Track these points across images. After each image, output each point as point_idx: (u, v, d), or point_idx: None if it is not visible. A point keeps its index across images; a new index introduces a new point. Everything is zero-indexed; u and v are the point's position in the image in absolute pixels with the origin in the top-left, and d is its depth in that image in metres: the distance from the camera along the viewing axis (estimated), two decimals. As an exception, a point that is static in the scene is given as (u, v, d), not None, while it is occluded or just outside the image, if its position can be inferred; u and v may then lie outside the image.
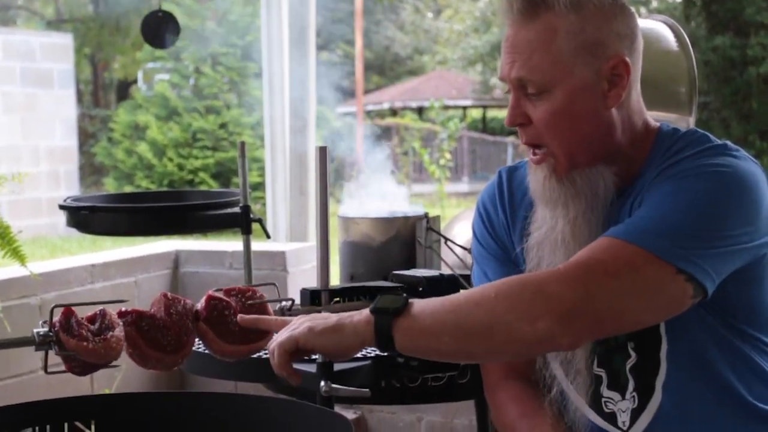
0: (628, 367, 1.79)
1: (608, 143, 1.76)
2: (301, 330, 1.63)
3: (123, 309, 1.60)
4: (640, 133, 1.80)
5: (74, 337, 1.52)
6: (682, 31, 2.59)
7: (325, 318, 1.65)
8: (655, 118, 1.89)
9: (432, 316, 1.61)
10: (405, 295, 1.66)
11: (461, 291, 1.66)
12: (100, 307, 1.60)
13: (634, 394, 1.79)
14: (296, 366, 1.92)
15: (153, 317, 1.61)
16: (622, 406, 1.81)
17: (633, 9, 1.79)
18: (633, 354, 1.78)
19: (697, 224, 1.62)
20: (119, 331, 1.56)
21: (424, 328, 1.61)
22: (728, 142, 1.76)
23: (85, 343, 1.53)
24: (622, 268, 1.59)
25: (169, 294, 1.63)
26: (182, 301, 1.64)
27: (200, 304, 1.66)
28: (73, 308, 1.56)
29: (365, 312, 1.63)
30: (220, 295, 1.67)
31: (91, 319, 1.56)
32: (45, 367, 1.54)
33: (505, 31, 1.76)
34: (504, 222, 1.94)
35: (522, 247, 1.88)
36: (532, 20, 1.70)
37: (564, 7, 1.69)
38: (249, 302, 1.67)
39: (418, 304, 1.63)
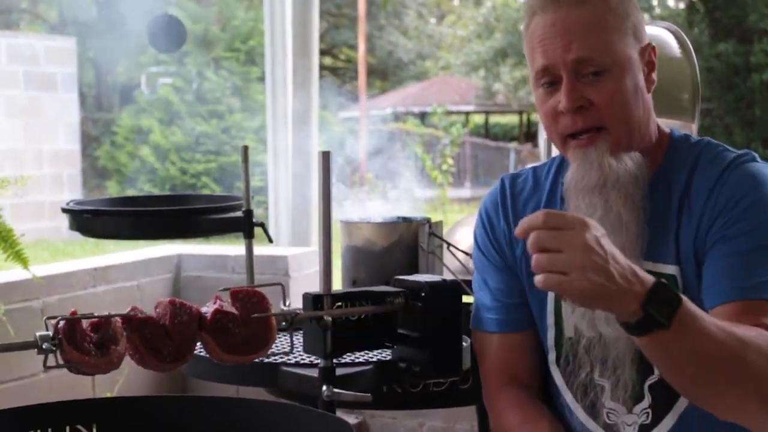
0: (648, 383, 1.79)
1: (647, 129, 1.80)
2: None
3: (128, 314, 1.60)
4: (656, 131, 1.83)
5: (77, 349, 1.53)
6: (685, 37, 2.59)
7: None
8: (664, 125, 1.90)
9: (702, 332, 1.50)
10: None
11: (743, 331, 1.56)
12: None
13: (648, 411, 1.79)
14: (298, 371, 1.92)
15: (156, 324, 1.60)
16: (627, 419, 1.80)
17: None
18: (656, 372, 1.77)
19: None
20: (122, 344, 1.56)
21: (702, 330, 1.50)
22: (747, 151, 1.80)
23: (86, 357, 1.53)
24: None
25: (177, 301, 1.63)
26: (188, 309, 1.64)
27: (207, 309, 1.66)
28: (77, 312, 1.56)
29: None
30: (227, 307, 1.67)
31: (96, 326, 1.55)
32: (44, 364, 1.54)
33: (539, 20, 1.76)
34: (505, 229, 1.94)
35: (522, 255, 1.87)
36: (584, 4, 1.73)
37: None
38: (254, 315, 1.67)
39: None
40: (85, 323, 1.55)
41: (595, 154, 1.75)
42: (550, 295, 1.86)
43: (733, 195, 1.71)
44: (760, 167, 1.75)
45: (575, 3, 1.73)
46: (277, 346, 2.16)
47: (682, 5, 19.41)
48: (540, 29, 1.75)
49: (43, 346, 1.51)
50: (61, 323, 1.53)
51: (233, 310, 1.67)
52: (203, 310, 1.66)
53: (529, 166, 2.02)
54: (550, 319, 1.87)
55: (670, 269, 1.76)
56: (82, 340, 1.53)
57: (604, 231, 1.46)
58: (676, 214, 1.76)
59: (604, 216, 1.74)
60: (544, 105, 1.78)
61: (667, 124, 1.94)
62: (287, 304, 1.77)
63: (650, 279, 1.46)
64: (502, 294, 1.93)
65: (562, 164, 1.91)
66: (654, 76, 1.80)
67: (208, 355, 1.69)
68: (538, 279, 1.44)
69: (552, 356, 1.89)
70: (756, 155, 1.78)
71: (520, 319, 1.92)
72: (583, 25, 1.72)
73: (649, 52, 1.79)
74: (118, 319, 1.56)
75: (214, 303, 1.67)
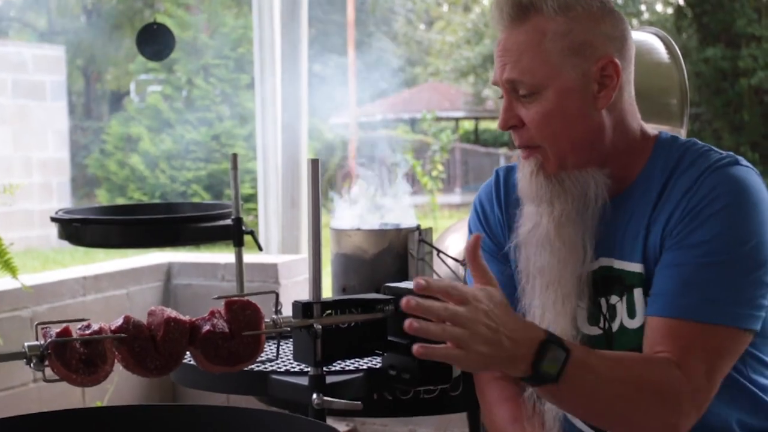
0: None
1: (599, 145, 1.77)
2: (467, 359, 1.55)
3: (119, 325, 1.60)
4: (636, 138, 1.82)
5: (65, 366, 1.53)
6: (674, 42, 2.60)
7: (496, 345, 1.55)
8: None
9: (590, 385, 1.62)
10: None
11: (615, 363, 1.67)
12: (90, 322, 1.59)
13: None
14: (289, 379, 1.92)
15: (146, 338, 1.60)
16: None
17: (623, 14, 1.81)
18: None
19: (743, 272, 1.68)
20: (110, 362, 1.57)
21: (592, 378, 1.62)
22: (732, 153, 1.78)
23: (74, 376, 1.54)
24: (716, 362, 1.67)
25: (172, 319, 1.62)
26: (182, 326, 1.64)
27: (202, 324, 1.66)
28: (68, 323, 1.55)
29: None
30: (220, 325, 1.66)
31: (86, 342, 1.55)
32: (43, 376, 1.54)
33: (497, 39, 1.79)
34: (499, 217, 1.95)
35: (512, 244, 1.88)
36: (522, 23, 1.74)
37: (552, 9, 1.73)
38: (245, 333, 1.67)
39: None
40: (75, 334, 1.54)
41: (528, 168, 1.79)
42: (537, 299, 1.86)
43: (705, 196, 1.70)
44: (741, 172, 1.73)
45: (513, 23, 1.75)
46: (265, 353, 2.16)
47: (670, 10, 19.46)
48: (496, 46, 1.80)
49: (32, 359, 1.51)
50: (52, 334, 1.52)
51: (225, 326, 1.66)
52: (198, 322, 1.66)
53: None
54: (537, 321, 1.87)
55: (636, 267, 1.77)
56: (71, 358, 1.53)
57: (499, 300, 1.55)
58: (650, 213, 1.76)
59: (533, 228, 1.79)
60: None
61: (655, 129, 1.94)
62: (279, 310, 1.77)
63: (539, 337, 1.56)
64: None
65: None
66: (612, 92, 1.75)
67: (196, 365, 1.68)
68: (429, 349, 1.51)
69: None
70: (740, 158, 1.77)
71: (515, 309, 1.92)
72: (516, 47, 1.74)
73: (602, 66, 1.74)
74: (109, 334, 1.56)
75: (209, 318, 1.67)
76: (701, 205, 1.70)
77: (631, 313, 1.78)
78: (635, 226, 1.77)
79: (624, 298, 1.79)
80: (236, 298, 1.69)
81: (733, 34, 17.64)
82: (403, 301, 1.53)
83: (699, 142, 1.82)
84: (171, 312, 1.64)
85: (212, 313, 1.67)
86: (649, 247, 1.75)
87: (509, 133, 1.81)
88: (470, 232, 2.02)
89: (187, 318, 1.66)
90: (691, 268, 1.68)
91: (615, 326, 1.81)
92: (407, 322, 1.50)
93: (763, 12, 17.78)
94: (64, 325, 1.54)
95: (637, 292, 1.77)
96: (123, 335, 1.57)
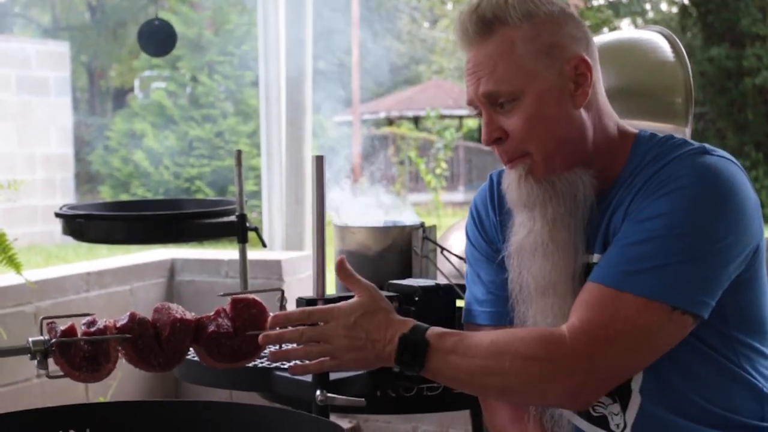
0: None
1: (583, 145, 1.78)
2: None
3: (124, 323, 1.60)
4: (614, 137, 1.82)
5: (68, 363, 1.53)
6: (678, 41, 2.59)
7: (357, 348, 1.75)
8: (651, 129, 1.89)
9: (455, 367, 1.73)
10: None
11: (481, 340, 1.74)
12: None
13: (616, 395, 1.80)
14: (291, 376, 1.92)
15: (150, 335, 1.60)
16: (614, 409, 1.81)
17: (582, 19, 1.83)
18: None
19: (683, 251, 1.65)
20: (113, 360, 1.57)
21: (456, 361, 1.72)
22: (705, 145, 1.77)
23: (77, 373, 1.54)
24: (621, 328, 1.65)
25: (178, 320, 1.62)
26: (188, 326, 1.64)
27: (208, 321, 1.66)
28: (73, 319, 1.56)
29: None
30: (225, 325, 1.66)
31: (91, 339, 1.55)
32: (46, 373, 1.54)
33: (465, 58, 1.79)
34: (495, 222, 1.95)
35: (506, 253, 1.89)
36: (489, 37, 1.75)
37: (516, 19, 1.74)
38: (249, 333, 1.68)
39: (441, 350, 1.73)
40: (79, 329, 1.54)
41: (515, 175, 1.78)
42: (531, 308, 1.86)
43: (664, 180, 1.70)
44: (710, 160, 1.71)
45: (479, 38, 1.75)
46: (269, 347, 2.16)
47: (674, 9, 19.44)
48: (465, 66, 1.80)
49: (36, 355, 1.51)
50: (58, 330, 1.53)
51: (230, 324, 1.66)
52: (203, 320, 1.66)
53: None
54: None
55: (596, 258, 1.78)
56: (75, 356, 1.53)
57: (363, 309, 1.73)
58: (627, 206, 1.76)
59: (527, 234, 1.79)
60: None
61: (660, 128, 1.94)
62: (283, 306, 1.77)
63: (399, 333, 1.73)
64: (495, 286, 1.93)
65: None
66: (587, 89, 1.76)
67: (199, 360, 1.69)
68: (302, 367, 1.75)
69: None
70: (712, 149, 1.75)
71: (507, 313, 1.92)
72: (488, 59, 1.74)
73: (575, 65, 1.75)
74: (114, 333, 1.56)
75: (215, 318, 1.67)
76: (658, 186, 1.70)
77: None
78: (616, 222, 1.77)
79: None
80: (242, 296, 1.69)
81: (737, 33, 17.62)
82: (260, 339, 1.70)
83: (677, 136, 1.81)
84: (177, 311, 1.64)
85: (218, 313, 1.67)
86: (610, 235, 1.76)
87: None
88: (467, 237, 2.02)
89: (192, 316, 1.66)
90: (633, 241, 1.68)
91: None
92: (270, 353, 1.74)
93: None
94: (69, 320, 1.54)
95: None
96: (128, 336, 1.57)
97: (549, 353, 1.66)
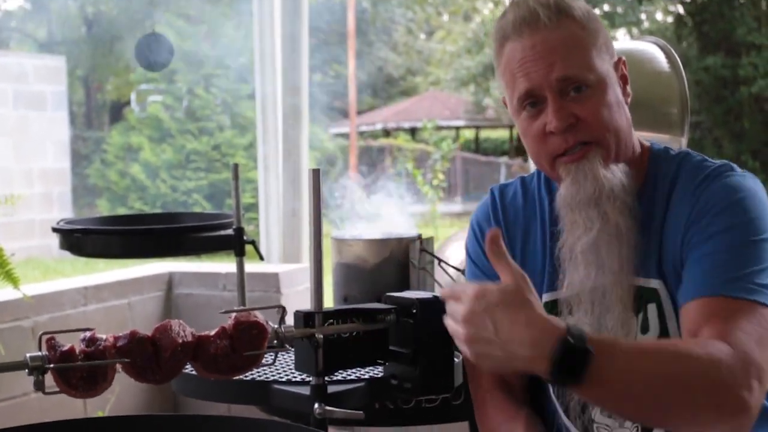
0: None
1: (632, 141, 1.83)
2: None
3: (124, 344, 1.60)
4: (635, 147, 1.85)
5: (66, 383, 1.53)
6: (674, 51, 2.60)
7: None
8: (647, 138, 1.90)
9: (626, 376, 1.52)
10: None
11: (647, 344, 1.64)
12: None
13: (638, 425, 1.79)
14: (290, 389, 1.92)
15: (150, 358, 1.60)
16: None
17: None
18: None
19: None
20: (110, 379, 1.57)
21: (626, 372, 1.52)
22: (726, 162, 1.80)
23: (73, 391, 1.54)
24: (759, 338, 1.60)
25: (180, 345, 1.62)
26: (188, 348, 1.64)
27: (209, 342, 1.65)
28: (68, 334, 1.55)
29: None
30: (224, 348, 1.66)
31: (88, 356, 1.55)
32: (39, 388, 1.54)
33: (515, 45, 1.78)
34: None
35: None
36: (559, 25, 1.76)
37: (579, 11, 1.78)
38: (246, 354, 1.67)
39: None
40: (77, 348, 1.54)
41: (589, 166, 1.76)
42: (584, 313, 1.85)
43: (708, 201, 1.73)
44: (737, 178, 1.76)
45: (551, 25, 1.76)
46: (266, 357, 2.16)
47: (670, 19, 19.48)
48: (518, 53, 1.77)
49: (34, 372, 1.51)
50: (57, 347, 1.52)
51: (228, 344, 1.66)
52: (203, 339, 1.65)
53: (517, 177, 2.04)
54: None
55: (653, 283, 1.77)
56: (72, 376, 1.53)
57: (497, 298, 1.49)
58: (659, 228, 1.77)
59: (602, 228, 1.75)
60: (530, 128, 1.80)
61: (656, 138, 1.94)
62: (282, 318, 1.77)
63: (554, 339, 1.47)
64: None
65: (548, 179, 1.92)
66: (629, 89, 1.84)
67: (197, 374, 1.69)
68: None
69: None
70: (734, 165, 1.79)
71: None
72: (561, 44, 1.75)
73: (620, 66, 1.83)
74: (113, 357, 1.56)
75: (215, 338, 1.66)
76: (706, 208, 1.72)
77: (645, 329, 1.78)
78: (645, 242, 1.77)
79: (640, 315, 1.78)
80: (245, 318, 1.69)
81: (733, 42, 17.66)
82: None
83: (691, 152, 1.84)
84: (179, 333, 1.63)
85: (218, 333, 1.67)
86: (665, 263, 1.76)
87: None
88: (467, 252, 2.01)
89: (193, 336, 1.65)
90: (714, 255, 1.69)
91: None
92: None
93: (762, 20, 17.80)
94: (69, 338, 1.54)
95: (651, 308, 1.77)
96: (126, 360, 1.57)
97: (727, 358, 1.55)
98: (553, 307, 1.84)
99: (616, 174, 1.76)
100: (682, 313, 1.70)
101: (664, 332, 1.75)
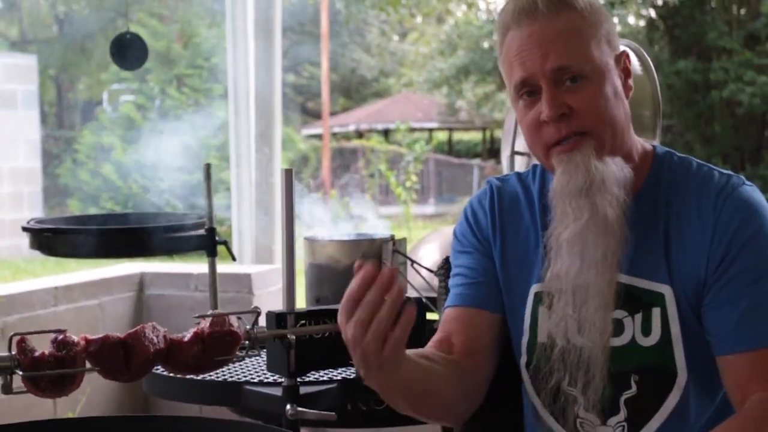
0: (624, 398, 1.79)
1: (629, 136, 1.83)
2: None
3: (96, 350, 1.58)
4: (636, 146, 1.85)
5: (34, 386, 1.52)
6: (646, 55, 2.61)
7: None
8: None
9: None
10: None
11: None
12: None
13: (624, 424, 1.79)
14: (262, 390, 1.91)
15: (121, 362, 1.59)
16: (601, 431, 1.80)
17: None
18: (635, 387, 1.78)
19: None
20: (78, 382, 1.56)
21: None
22: (732, 173, 1.82)
23: (40, 393, 1.53)
24: None
25: (152, 353, 1.61)
26: (161, 354, 1.63)
27: (180, 349, 1.64)
28: (36, 335, 1.54)
29: None
30: (197, 349, 1.66)
31: (59, 361, 1.54)
32: (3, 388, 1.52)
33: (515, 34, 1.78)
34: (489, 226, 1.93)
35: (498, 245, 1.88)
36: (558, 16, 1.76)
37: (583, 5, 1.78)
38: (217, 359, 1.66)
39: None
40: (48, 350, 1.53)
41: (581, 156, 1.76)
42: (528, 300, 1.86)
43: (729, 225, 1.73)
44: (751, 192, 1.78)
45: (549, 15, 1.76)
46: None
47: (642, 23, 19.58)
48: (516, 42, 1.78)
49: (1, 373, 1.50)
50: (29, 349, 1.51)
51: (200, 347, 1.66)
52: (176, 343, 1.64)
53: (513, 171, 2.04)
54: (526, 323, 1.87)
55: (662, 288, 1.76)
56: (41, 380, 1.52)
57: None
58: (664, 233, 1.77)
59: (591, 218, 1.75)
60: (526, 117, 1.80)
61: (647, 142, 1.95)
62: (257, 323, 1.76)
63: None
64: (470, 272, 1.92)
65: (544, 172, 1.92)
66: (630, 82, 1.84)
67: (169, 374, 1.68)
68: None
69: (523, 360, 1.89)
70: (743, 178, 1.81)
71: (481, 297, 1.90)
72: (558, 34, 1.75)
73: (623, 59, 1.83)
74: (81, 355, 1.55)
75: (189, 345, 1.65)
76: (728, 235, 1.73)
77: (646, 331, 1.77)
78: (647, 244, 1.78)
79: (637, 316, 1.78)
80: (221, 325, 1.67)
81: (704, 46, 17.76)
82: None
83: (694, 158, 1.85)
84: (153, 339, 1.62)
85: (193, 339, 1.66)
86: (676, 271, 1.76)
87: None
88: (455, 236, 2.00)
89: (165, 341, 1.64)
90: (746, 298, 1.70)
91: (615, 341, 1.78)
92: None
93: (734, 25, 17.92)
94: (40, 340, 1.53)
95: (655, 312, 1.76)
96: (97, 369, 1.56)
97: None
98: (539, 299, 1.85)
99: (609, 166, 1.76)
100: (722, 365, 1.72)
101: (666, 337, 1.75)
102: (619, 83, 1.80)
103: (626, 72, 1.83)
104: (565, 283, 1.77)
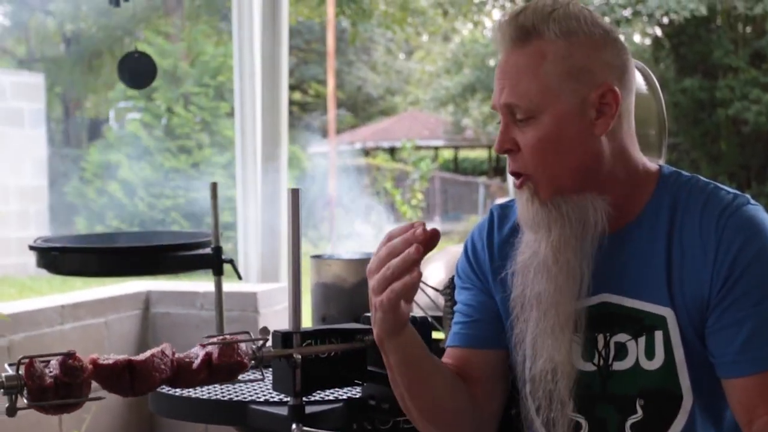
0: (629, 423, 1.77)
1: (596, 172, 1.75)
2: None
3: (106, 375, 1.58)
4: (637, 170, 1.80)
5: (39, 408, 1.52)
6: (651, 74, 2.61)
7: None
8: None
9: None
10: None
11: None
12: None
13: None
14: (268, 409, 1.91)
15: (127, 386, 1.60)
16: None
17: (626, 44, 1.79)
18: (640, 411, 1.77)
19: None
20: (81, 403, 1.56)
21: None
22: (738, 193, 1.79)
23: (44, 412, 1.53)
24: None
25: (157, 381, 1.61)
26: (165, 377, 1.63)
27: (186, 370, 1.64)
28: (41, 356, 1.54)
29: None
30: (204, 373, 1.66)
31: (64, 381, 1.54)
32: (8, 409, 1.52)
33: (498, 58, 1.78)
34: (486, 256, 1.93)
35: (500, 276, 1.87)
36: (523, 46, 1.72)
37: (554, 34, 1.71)
38: (222, 383, 1.67)
39: None
40: (54, 372, 1.53)
41: (520, 196, 1.77)
42: (531, 327, 1.85)
43: (732, 245, 1.71)
44: (755, 212, 1.75)
45: (516, 46, 1.73)
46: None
47: (648, 41, 19.60)
48: (496, 68, 1.78)
49: (9, 392, 1.50)
50: (36, 382, 1.52)
51: (206, 369, 1.66)
52: (184, 364, 1.64)
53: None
54: (529, 351, 1.86)
55: (663, 311, 1.75)
56: (45, 401, 1.52)
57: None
58: (665, 254, 1.75)
59: (532, 256, 1.77)
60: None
61: (655, 163, 1.94)
62: (264, 344, 1.75)
63: None
64: (468, 309, 1.92)
65: None
66: (611, 120, 1.73)
67: (174, 393, 1.68)
68: None
69: (527, 388, 1.88)
70: (749, 197, 1.78)
71: (478, 336, 1.90)
72: (515, 70, 1.73)
73: (602, 93, 1.72)
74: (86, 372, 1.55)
75: (199, 370, 1.65)
76: (730, 256, 1.70)
77: (650, 354, 1.75)
78: (648, 265, 1.76)
79: (641, 339, 1.76)
80: (230, 354, 1.67)
81: (710, 65, 17.78)
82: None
83: (702, 178, 1.82)
84: (161, 367, 1.62)
85: (201, 366, 1.66)
86: (678, 295, 1.74)
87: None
88: (456, 272, 2.00)
89: (173, 366, 1.64)
90: (750, 320, 1.68)
91: (620, 365, 1.78)
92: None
93: (739, 43, 17.95)
94: (47, 363, 1.53)
95: (658, 335, 1.75)
96: (102, 398, 1.56)
97: None
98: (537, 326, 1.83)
99: (554, 210, 1.74)
100: (728, 388, 1.71)
101: (669, 360, 1.74)
102: (583, 123, 1.72)
103: (606, 107, 1.72)
104: (526, 307, 1.80)
